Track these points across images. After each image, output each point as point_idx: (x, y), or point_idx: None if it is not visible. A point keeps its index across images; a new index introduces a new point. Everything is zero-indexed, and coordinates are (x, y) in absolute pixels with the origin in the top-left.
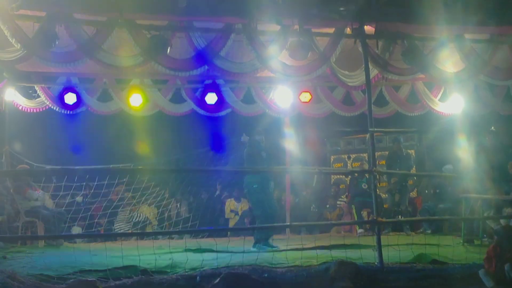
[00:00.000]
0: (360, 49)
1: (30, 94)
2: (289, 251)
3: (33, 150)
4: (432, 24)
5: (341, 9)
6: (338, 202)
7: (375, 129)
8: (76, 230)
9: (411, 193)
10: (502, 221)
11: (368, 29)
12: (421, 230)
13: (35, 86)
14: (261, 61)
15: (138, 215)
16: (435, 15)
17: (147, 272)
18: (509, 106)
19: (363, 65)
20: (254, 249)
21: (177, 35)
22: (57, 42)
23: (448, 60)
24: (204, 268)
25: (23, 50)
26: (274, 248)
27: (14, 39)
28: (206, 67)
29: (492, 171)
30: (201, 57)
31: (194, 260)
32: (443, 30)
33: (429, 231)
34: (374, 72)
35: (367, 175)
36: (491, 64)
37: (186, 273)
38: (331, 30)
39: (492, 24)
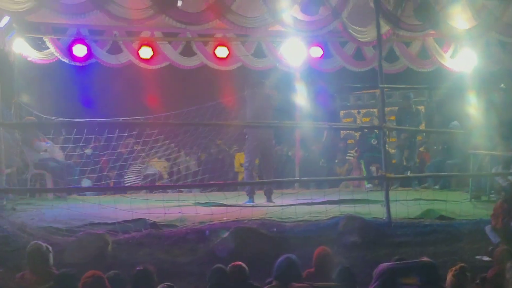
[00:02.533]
0: (372, 5)
1: (39, 45)
2: (298, 206)
3: (42, 102)
4: None
5: None
6: (347, 157)
7: (386, 85)
8: (86, 182)
9: (419, 149)
10: (510, 178)
11: None
12: (426, 184)
13: (45, 37)
14: (272, 15)
15: (148, 168)
16: None
17: (156, 226)
18: None
19: (375, 21)
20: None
21: None
22: None
23: (460, 17)
24: (213, 222)
25: (32, 1)
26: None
27: None
28: (217, 21)
29: (501, 128)
30: (212, 11)
31: (203, 214)
32: None
33: (437, 187)
34: (385, 28)
35: (376, 131)
36: (503, 21)
37: (195, 227)
38: None
39: None
